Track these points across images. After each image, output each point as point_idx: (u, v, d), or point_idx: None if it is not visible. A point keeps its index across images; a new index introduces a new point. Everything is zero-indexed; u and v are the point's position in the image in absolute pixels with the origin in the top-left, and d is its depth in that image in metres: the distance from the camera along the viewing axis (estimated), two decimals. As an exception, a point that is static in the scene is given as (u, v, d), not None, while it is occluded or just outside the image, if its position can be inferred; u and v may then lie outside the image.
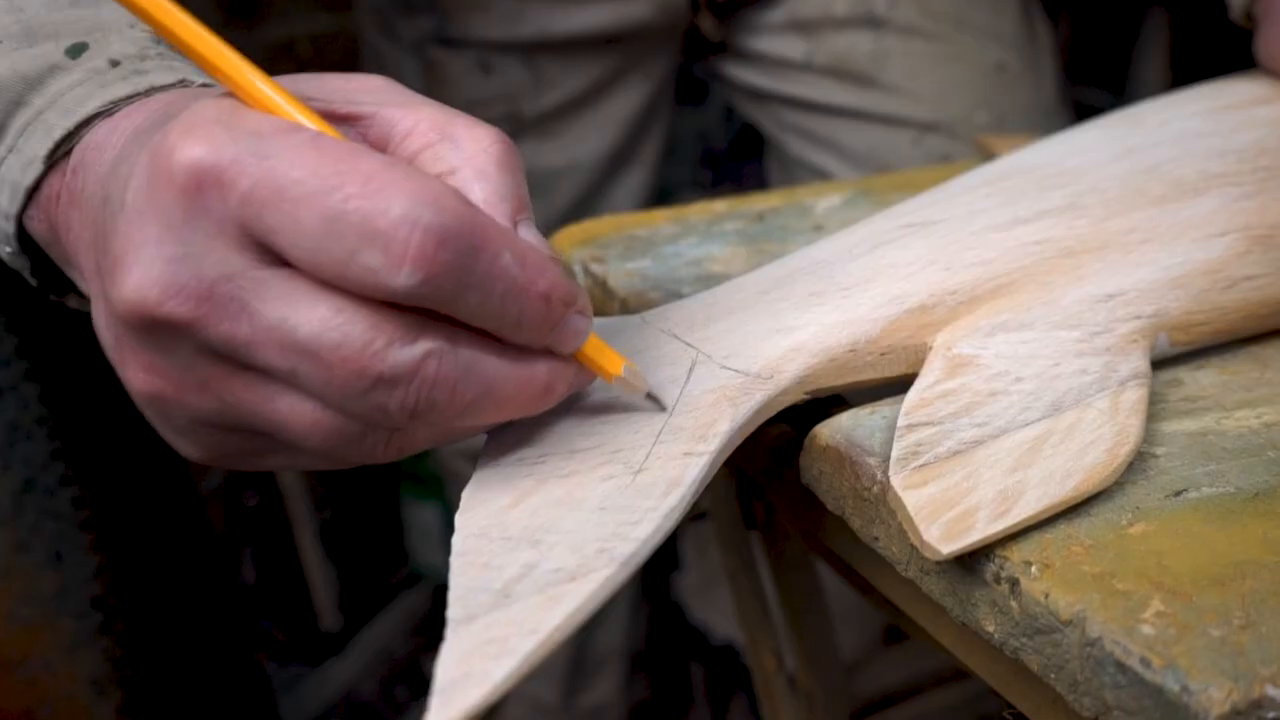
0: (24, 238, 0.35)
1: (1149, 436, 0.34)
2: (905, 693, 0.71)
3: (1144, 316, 0.36)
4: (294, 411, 0.28)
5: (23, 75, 0.33)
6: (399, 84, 0.32)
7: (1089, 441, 0.32)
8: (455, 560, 0.28)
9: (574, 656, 1.04)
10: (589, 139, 0.81)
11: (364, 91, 0.31)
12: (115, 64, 0.33)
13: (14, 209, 0.33)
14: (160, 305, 0.27)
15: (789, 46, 0.78)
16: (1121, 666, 0.26)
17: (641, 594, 1.07)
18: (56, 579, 0.74)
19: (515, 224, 0.29)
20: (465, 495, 0.30)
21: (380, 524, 1.34)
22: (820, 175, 0.79)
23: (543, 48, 0.77)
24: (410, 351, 0.27)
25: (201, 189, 0.26)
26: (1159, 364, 0.37)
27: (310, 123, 0.28)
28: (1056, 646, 0.28)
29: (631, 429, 0.32)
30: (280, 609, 1.24)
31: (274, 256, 0.27)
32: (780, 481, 0.44)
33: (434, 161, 0.30)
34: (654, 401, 0.33)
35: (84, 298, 0.37)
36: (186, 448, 0.31)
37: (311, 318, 0.27)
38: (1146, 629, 0.26)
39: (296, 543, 1.24)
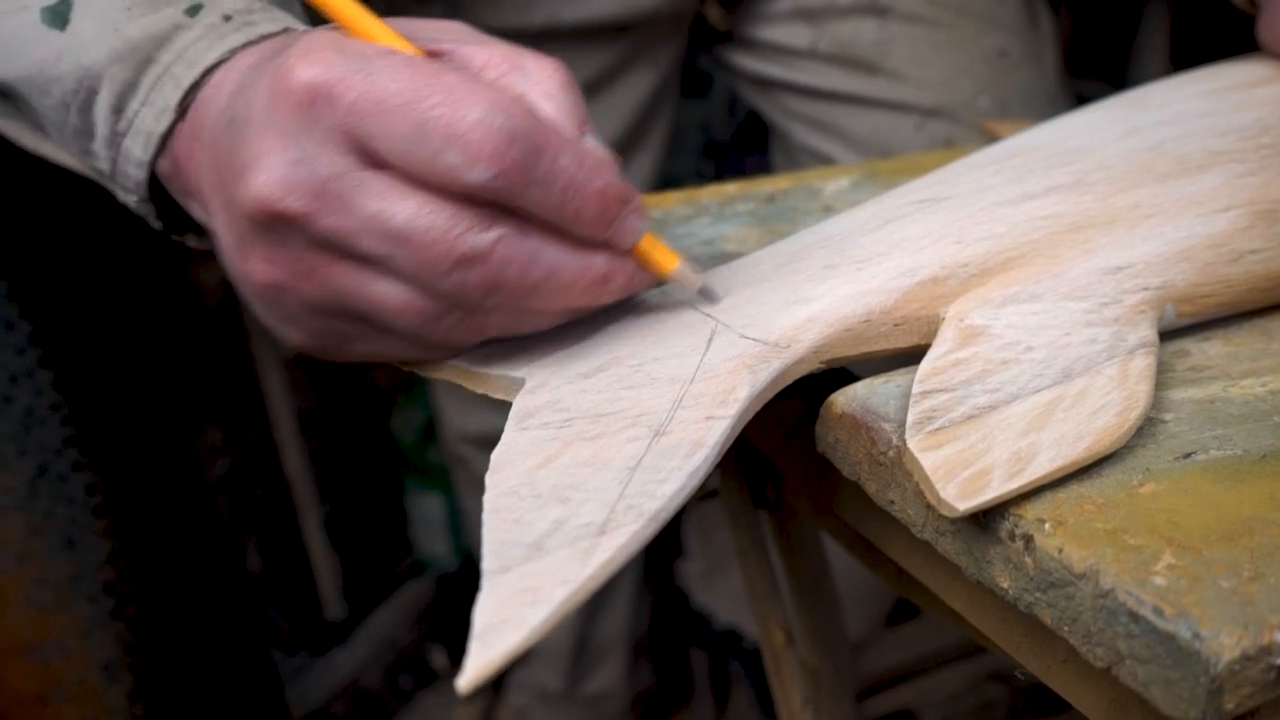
0: (150, 185, 0.39)
1: (1157, 403, 0.34)
2: (910, 673, 0.71)
3: (1151, 288, 0.37)
4: (387, 293, 0.33)
5: (151, 35, 0.37)
6: (466, 25, 0.37)
7: (1099, 406, 0.33)
8: (487, 516, 0.29)
9: (577, 644, 1.05)
10: (597, 128, 0.82)
11: (445, 31, 0.36)
12: (228, 18, 0.38)
13: (148, 155, 0.38)
14: (281, 200, 0.32)
15: (794, 34, 0.78)
16: (1134, 616, 0.27)
17: (645, 581, 1.08)
18: (70, 564, 0.75)
19: (580, 134, 0.34)
20: (495, 457, 0.31)
21: (385, 514, 1.34)
22: (825, 162, 0.80)
23: (552, 36, 0.77)
24: (486, 235, 0.32)
25: (314, 102, 0.31)
26: (1165, 336, 0.38)
27: (405, 49, 0.33)
28: (1070, 600, 0.28)
29: (654, 394, 0.33)
30: (285, 598, 1.25)
31: (374, 160, 0.32)
32: (792, 454, 0.45)
33: (507, 88, 0.34)
34: (707, 297, 0.36)
35: (201, 236, 0.41)
36: (292, 334, 0.36)
37: (405, 209, 0.31)
38: (1158, 580, 0.27)
39: (302, 532, 1.24)
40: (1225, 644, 0.25)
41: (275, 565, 1.26)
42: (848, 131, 0.79)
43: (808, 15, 0.78)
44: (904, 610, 0.93)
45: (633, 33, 0.79)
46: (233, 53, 0.37)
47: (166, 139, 0.38)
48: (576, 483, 0.29)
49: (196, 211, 0.38)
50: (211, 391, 1.18)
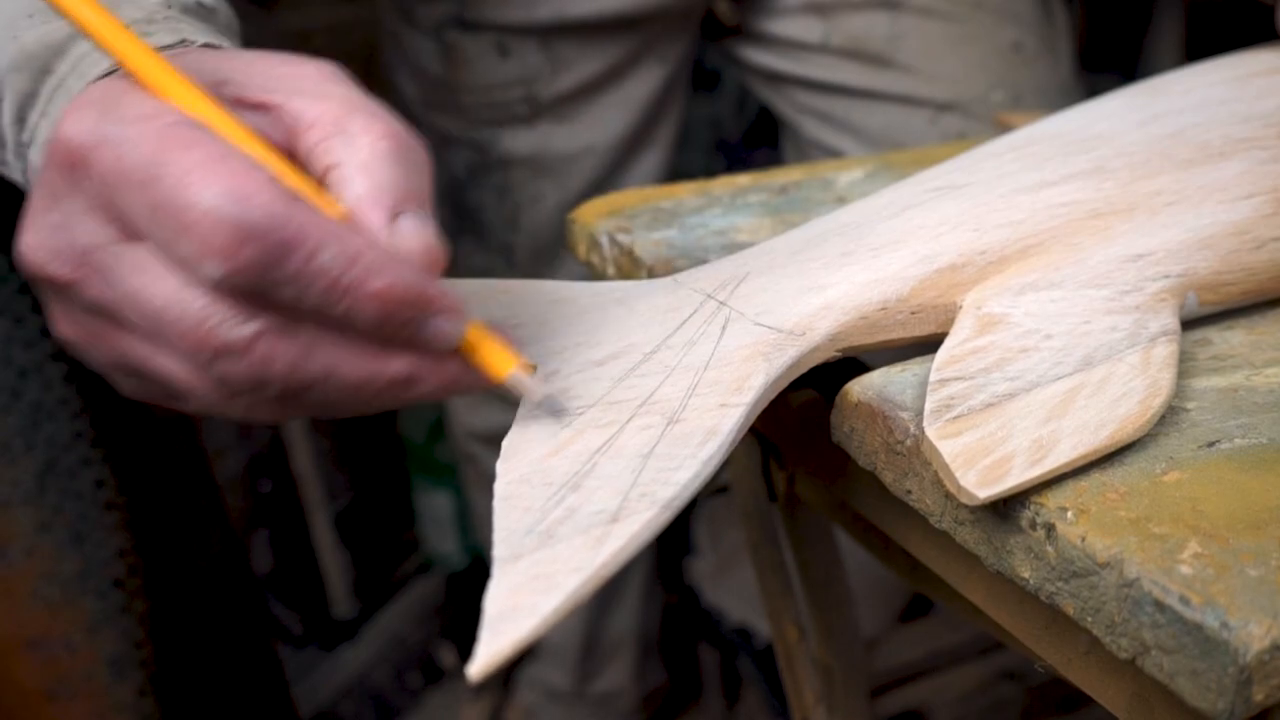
0: None
1: (1179, 392, 0.34)
2: (923, 670, 0.71)
3: (1172, 276, 0.36)
4: (172, 368, 0.30)
5: (48, 45, 0.35)
6: (332, 73, 0.32)
7: (1121, 394, 0.32)
8: (498, 504, 0.28)
9: (586, 642, 1.05)
10: (606, 122, 0.81)
11: (285, 80, 0.31)
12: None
13: None
14: (45, 266, 0.30)
15: (805, 29, 0.78)
16: (1160, 605, 0.26)
17: (655, 579, 1.07)
18: (78, 559, 0.75)
19: (395, 217, 0.29)
20: (506, 444, 0.31)
21: (394, 511, 1.34)
22: (836, 156, 0.79)
23: (560, 31, 0.77)
24: (242, 330, 0.28)
25: (74, 166, 0.29)
26: (1187, 325, 0.37)
27: (193, 109, 0.29)
28: (1093, 589, 0.28)
29: (667, 382, 0.32)
30: (295, 595, 1.24)
31: (135, 231, 0.29)
32: (805, 446, 0.44)
33: (325, 155, 0.30)
34: (552, 411, 0.32)
35: None
36: (115, 384, 0.33)
37: (160, 291, 0.28)
38: (1184, 569, 0.26)
39: (311, 530, 1.24)
40: (1254, 633, 0.25)
41: (285, 562, 1.25)
42: (859, 126, 0.79)
43: (819, 9, 0.77)
44: (917, 608, 0.92)
45: (641, 27, 0.78)
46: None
47: None
48: (589, 470, 0.29)
49: None
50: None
